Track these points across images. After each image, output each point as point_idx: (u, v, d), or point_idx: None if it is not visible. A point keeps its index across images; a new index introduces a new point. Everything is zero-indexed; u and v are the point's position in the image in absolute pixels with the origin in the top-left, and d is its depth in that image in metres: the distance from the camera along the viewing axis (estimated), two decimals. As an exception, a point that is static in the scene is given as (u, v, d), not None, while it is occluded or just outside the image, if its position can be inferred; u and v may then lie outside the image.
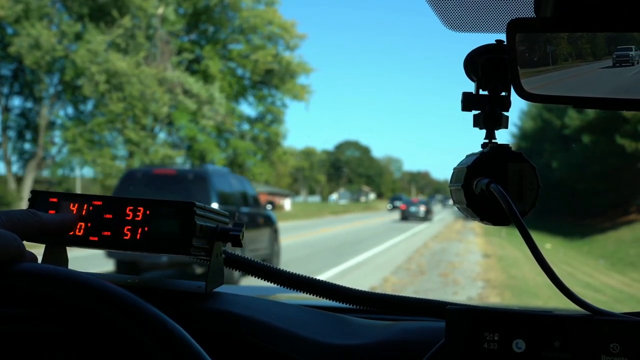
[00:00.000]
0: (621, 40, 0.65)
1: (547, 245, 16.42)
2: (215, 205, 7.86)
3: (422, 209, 35.57)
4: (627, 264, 13.96)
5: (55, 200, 0.74)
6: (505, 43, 0.67)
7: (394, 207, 46.58)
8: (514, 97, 0.70)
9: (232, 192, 9.47)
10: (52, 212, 0.74)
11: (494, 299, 8.01)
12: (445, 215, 44.18)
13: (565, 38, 0.66)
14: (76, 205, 0.73)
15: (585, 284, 9.93)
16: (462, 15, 0.76)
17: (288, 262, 10.82)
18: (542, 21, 0.69)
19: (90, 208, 0.73)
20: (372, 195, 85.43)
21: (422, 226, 27.21)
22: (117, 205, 0.73)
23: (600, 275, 11.73)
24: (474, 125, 0.75)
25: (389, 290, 8.36)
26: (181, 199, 0.75)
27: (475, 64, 0.73)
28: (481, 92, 0.74)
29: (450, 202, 0.79)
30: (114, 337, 0.51)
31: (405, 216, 34.84)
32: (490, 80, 0.73)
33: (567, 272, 11.09)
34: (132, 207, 0.72)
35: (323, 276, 9.22)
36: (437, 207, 57.58)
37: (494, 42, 0.73)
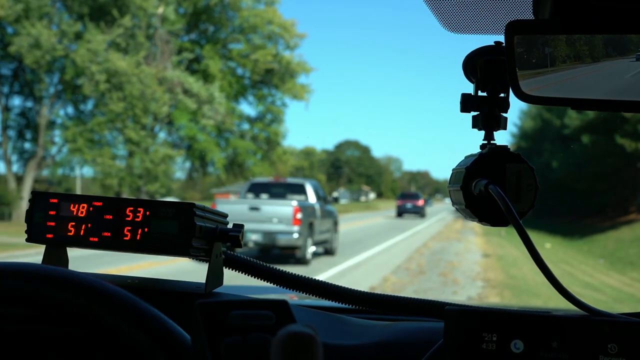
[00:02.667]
0: (619, 43, 0.65)
1: (547, 244, 16.41)
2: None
3: None
4: (627, 264, 13.95)
5: (55, 201, 0.74)
6: (504, 45, 0.67)
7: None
8: (513, 97, 0.70)
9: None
10: (52, 212, 0.74)
11: (493, 299, 8.00)
12: (445, 214, 44.18)
13: (564, 40, 0.66)
14: (76, 205, 0.73)
15: (584, 283, 9.93)
16: (461, 17, 0.76)
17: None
18: (541, 23, 0.69)
19: (91, 209, 0.73)
20: (372, 195, 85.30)
21: (421, 226, 27.21)
22: (117, 206, 0.73)
23: (599, 275, 11.73)
24: (473, 127, 0.75)
25: (388, 290, 8.35)
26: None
27: (474, 65, 0.73)
28: (480, 93, 0.74)
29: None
30: (114, 338, 0.51)
31: None
32: (489, 81, 0.73)
33: (566, 271, 11.09)
34: (132, 208, 0.72)
35: (323, 276, 9.22)
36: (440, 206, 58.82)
37: (493, 44, 0.73)
